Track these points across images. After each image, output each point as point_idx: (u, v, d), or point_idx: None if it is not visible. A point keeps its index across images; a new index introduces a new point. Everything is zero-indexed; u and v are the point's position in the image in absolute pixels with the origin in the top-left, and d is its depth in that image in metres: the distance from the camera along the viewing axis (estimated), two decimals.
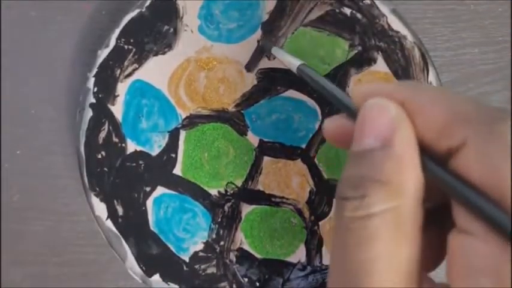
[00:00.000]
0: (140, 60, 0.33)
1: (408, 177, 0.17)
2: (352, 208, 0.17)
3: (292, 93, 0.34)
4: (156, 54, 0.33)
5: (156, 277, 0.32)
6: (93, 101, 0.32)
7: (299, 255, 0.34)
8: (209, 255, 0.34)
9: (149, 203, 0.33)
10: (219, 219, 0.35)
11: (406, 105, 0.18)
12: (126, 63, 0.33)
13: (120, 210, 0.32)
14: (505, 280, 0.15)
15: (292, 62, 0.27)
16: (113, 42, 0.32)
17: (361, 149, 0.18)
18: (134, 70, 0.33)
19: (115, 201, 0.32)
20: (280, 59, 0.30)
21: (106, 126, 0.32)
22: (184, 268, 0.33)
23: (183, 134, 0.35)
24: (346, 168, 0.18)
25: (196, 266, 0.33)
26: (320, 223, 0.34)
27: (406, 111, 0.18)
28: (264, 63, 0.34)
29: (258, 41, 0.34)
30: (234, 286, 0.33)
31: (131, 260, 0.32)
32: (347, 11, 0.32)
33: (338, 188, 0.18)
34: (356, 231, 0.17)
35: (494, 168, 0.16)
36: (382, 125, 0.17)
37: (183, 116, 0.35)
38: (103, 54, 0.32)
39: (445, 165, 0.17)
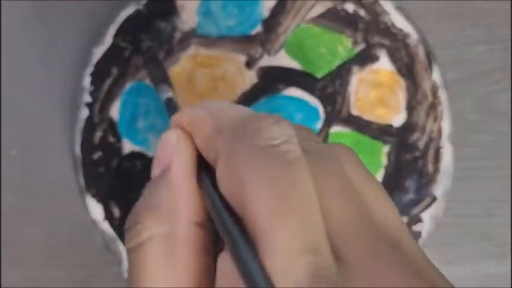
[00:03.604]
0: (137, 58, 0.33)
1: (180, 200, 0.17)
2: (128, 238, 0.17)
3: (293, 91, 0.34)
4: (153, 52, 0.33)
5: None
6: (89, 100, 0.32)
7: None
8: None
9: None
10: None
11: (190, 126, 0.17)
12: (122, 61, 0.32)
13: (116, 212, 0.32)
14: None
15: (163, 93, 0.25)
16: (109, 40, 0.32)
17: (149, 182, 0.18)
18: (131, 68, 0.33)
19: (112, 203, 0.32)
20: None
21: (102, 126, 0.32)
22: None
23: None
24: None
25: None
26: None
27: (189, 133, 0.17)
28: (265, 61, 0.34)
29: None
30: None
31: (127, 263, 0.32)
32: (350, 8, 0.32)
33: None
34: (132, 260, 0.16)
35: (237, 178, 0.15)
36: (164, 154, 0.17)
37: None
38: (99, 52, 0.32)
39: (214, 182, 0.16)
